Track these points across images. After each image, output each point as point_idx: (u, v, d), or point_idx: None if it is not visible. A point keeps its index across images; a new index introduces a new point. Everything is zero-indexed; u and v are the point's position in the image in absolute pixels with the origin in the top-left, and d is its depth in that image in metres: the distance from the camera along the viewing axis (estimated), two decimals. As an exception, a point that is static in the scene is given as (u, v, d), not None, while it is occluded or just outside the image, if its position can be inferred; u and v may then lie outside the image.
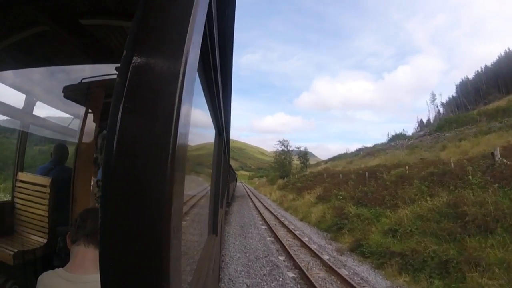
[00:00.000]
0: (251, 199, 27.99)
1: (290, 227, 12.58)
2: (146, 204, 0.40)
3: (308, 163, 43.97)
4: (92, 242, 1.04)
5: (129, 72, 0.43)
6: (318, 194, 17.58)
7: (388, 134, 75.29)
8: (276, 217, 15.94)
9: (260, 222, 14.24)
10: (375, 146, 46.43)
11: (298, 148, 43.31)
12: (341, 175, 20.77)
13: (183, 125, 0.44)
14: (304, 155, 43.11)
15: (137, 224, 0.40)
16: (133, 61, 0.43)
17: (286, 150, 42.37)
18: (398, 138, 43.38)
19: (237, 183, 45.47)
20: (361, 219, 10.58)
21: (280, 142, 42.98)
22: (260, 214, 17.15)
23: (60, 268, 1.03)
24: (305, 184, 23.48)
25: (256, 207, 20.69)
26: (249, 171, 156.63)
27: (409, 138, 36.55)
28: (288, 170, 39.01)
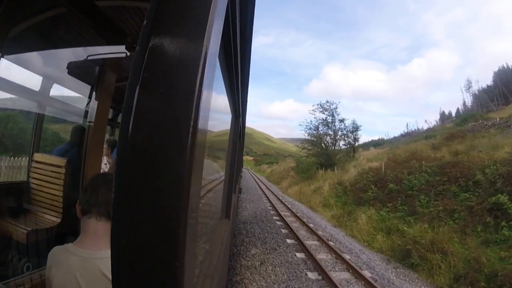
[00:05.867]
0: (298, 237, 8.05)
1: None
2: (162, 185, 0.38)
3: (357, 145, 26.82)
4: (104, 214, 0.96)
5: (146, 54, 0.41)
6: None
7: (407, 125, 73.68)
8: None
9: None
10: (432, 128, 41.13)
11: (342, 120, 24.91)
12: None
13: (203, 111, 0.42)
14: (355, 132, 25.16)
15: (153, 202, 0.38)
16: (150, 43, 0.42)
17: (330, 121, 24.92)
18: (470, 119, 30.43)
19: (243, 169, 29.36)
20: None
21: (321, 106, 25.05)
22: None
23: (70, 244, 0.96)
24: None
25: None
26: (254, 156, 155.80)
27: (492, 119, 24.34)
28: (333, 155, 23.60)
